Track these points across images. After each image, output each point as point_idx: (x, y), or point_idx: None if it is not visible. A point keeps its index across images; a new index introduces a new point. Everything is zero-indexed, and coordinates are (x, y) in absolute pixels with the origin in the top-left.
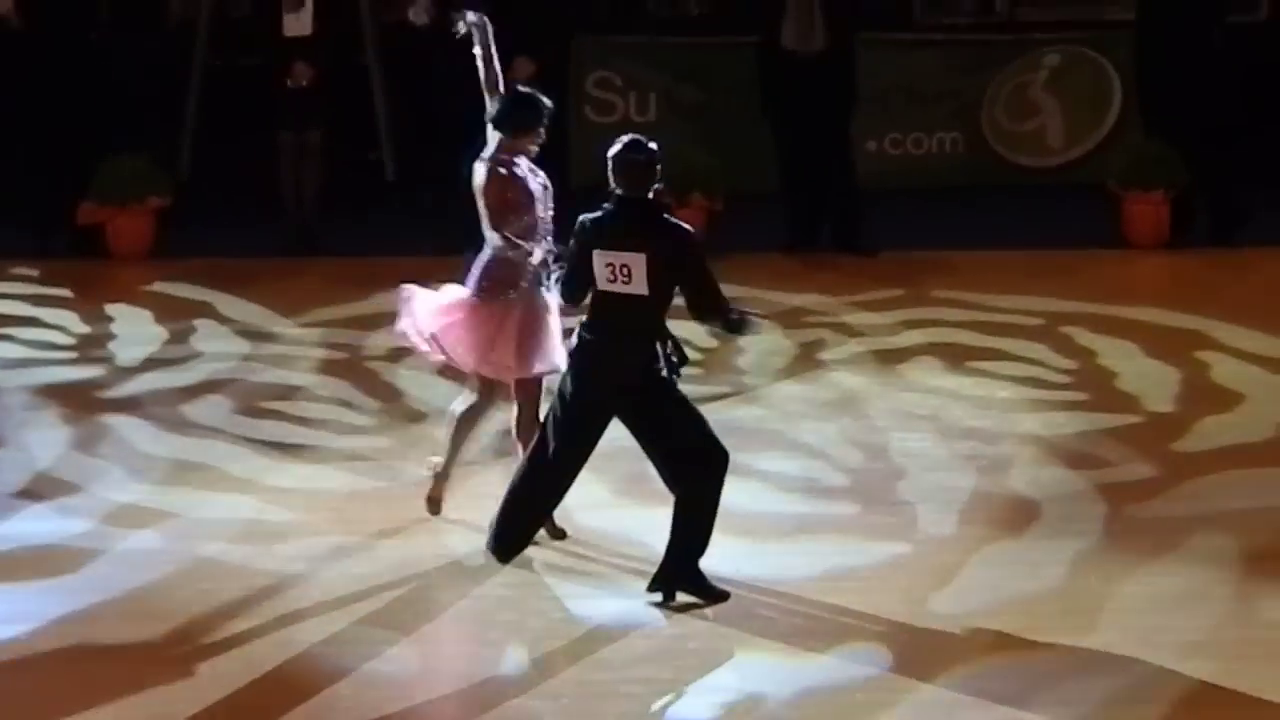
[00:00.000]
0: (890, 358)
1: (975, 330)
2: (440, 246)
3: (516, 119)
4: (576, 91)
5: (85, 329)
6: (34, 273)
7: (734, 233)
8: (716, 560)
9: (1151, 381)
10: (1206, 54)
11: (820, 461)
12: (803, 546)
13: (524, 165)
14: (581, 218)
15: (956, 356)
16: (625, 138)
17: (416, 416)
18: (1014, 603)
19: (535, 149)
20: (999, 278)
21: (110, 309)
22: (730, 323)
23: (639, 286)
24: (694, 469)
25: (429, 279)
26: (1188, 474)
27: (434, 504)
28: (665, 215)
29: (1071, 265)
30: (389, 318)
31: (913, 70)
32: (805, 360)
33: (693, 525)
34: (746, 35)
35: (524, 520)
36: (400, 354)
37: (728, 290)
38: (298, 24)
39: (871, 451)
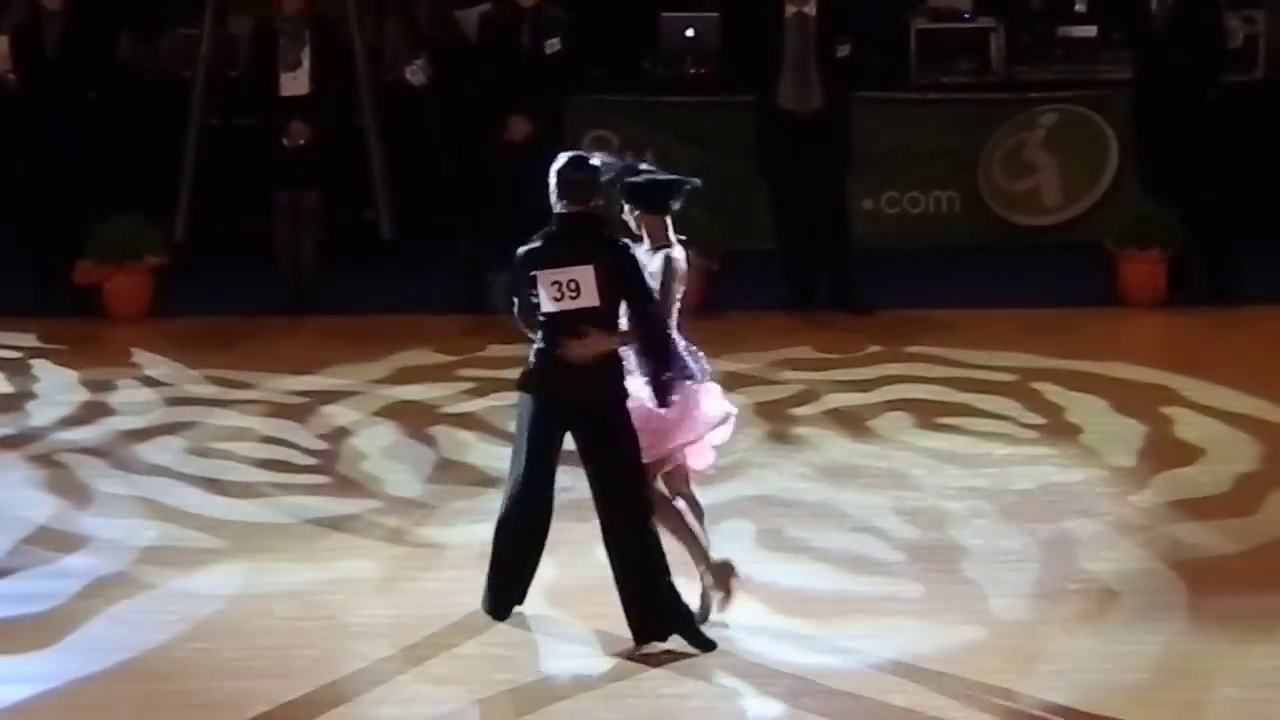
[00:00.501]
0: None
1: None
2: (436, 305)
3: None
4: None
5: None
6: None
7: (731, 292)
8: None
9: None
10: (1203, 113)
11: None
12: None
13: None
14: (520, 250)
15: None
16: (566, 154)
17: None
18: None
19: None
20: (991, 335)
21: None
22: (658, 383)
23: (589, 299)
24: (624, 514)
25: (425, 338)
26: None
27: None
28: (607, 231)
29: (1067, 323)
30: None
31: (909, 130)
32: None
33: (640, 569)
34: (743, 95)
35: (515, 568)
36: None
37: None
38: (294, 83)
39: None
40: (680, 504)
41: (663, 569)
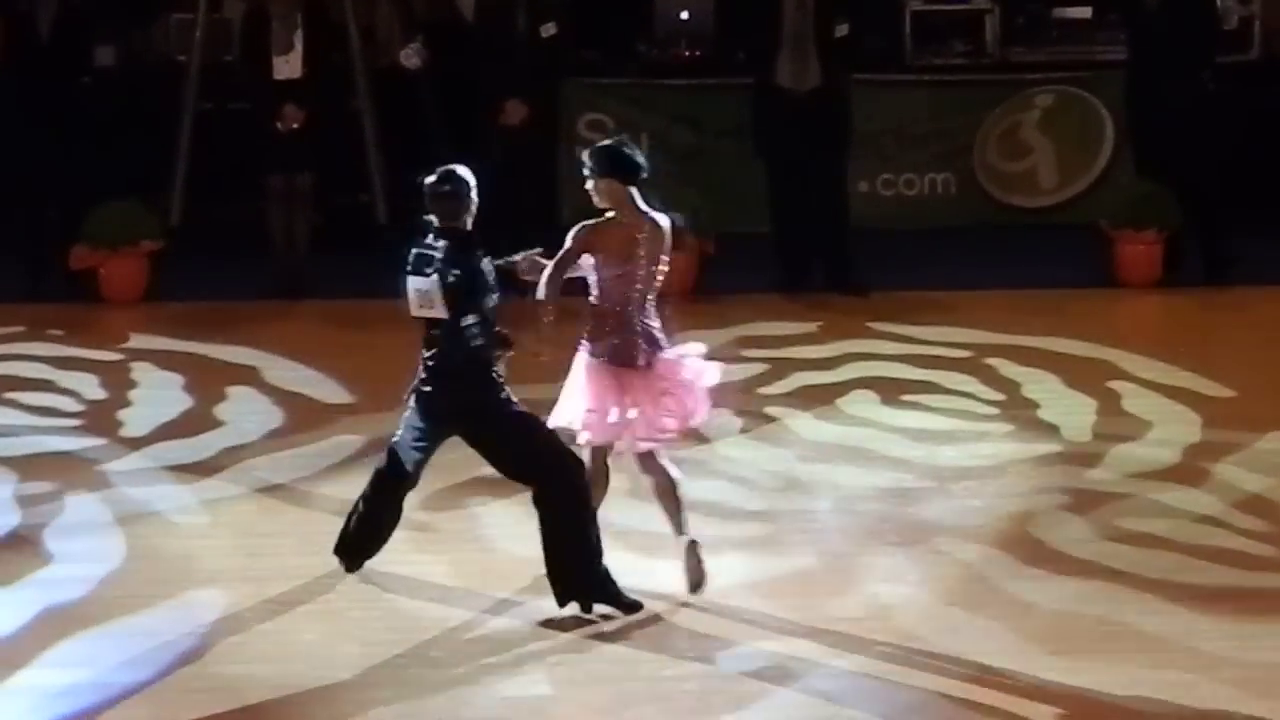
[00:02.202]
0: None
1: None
2: None
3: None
4: (568, 134)
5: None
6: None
7: (726, 273)
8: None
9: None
10: (1198, 94)
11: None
12: None
13: None
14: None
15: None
16: (439, 169)
17: None
18: None
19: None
20: (987, 316)
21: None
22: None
23: (440, 310)
24: (546, 486)
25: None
26: None
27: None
28: (467, 246)
29: (1062, 304)
30: None
31: (904, 111)
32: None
33: (568, 535)
34: (738, 78)
35: (371, 535)
36: None
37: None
38: (287, 67)
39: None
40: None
41: (578, 537)
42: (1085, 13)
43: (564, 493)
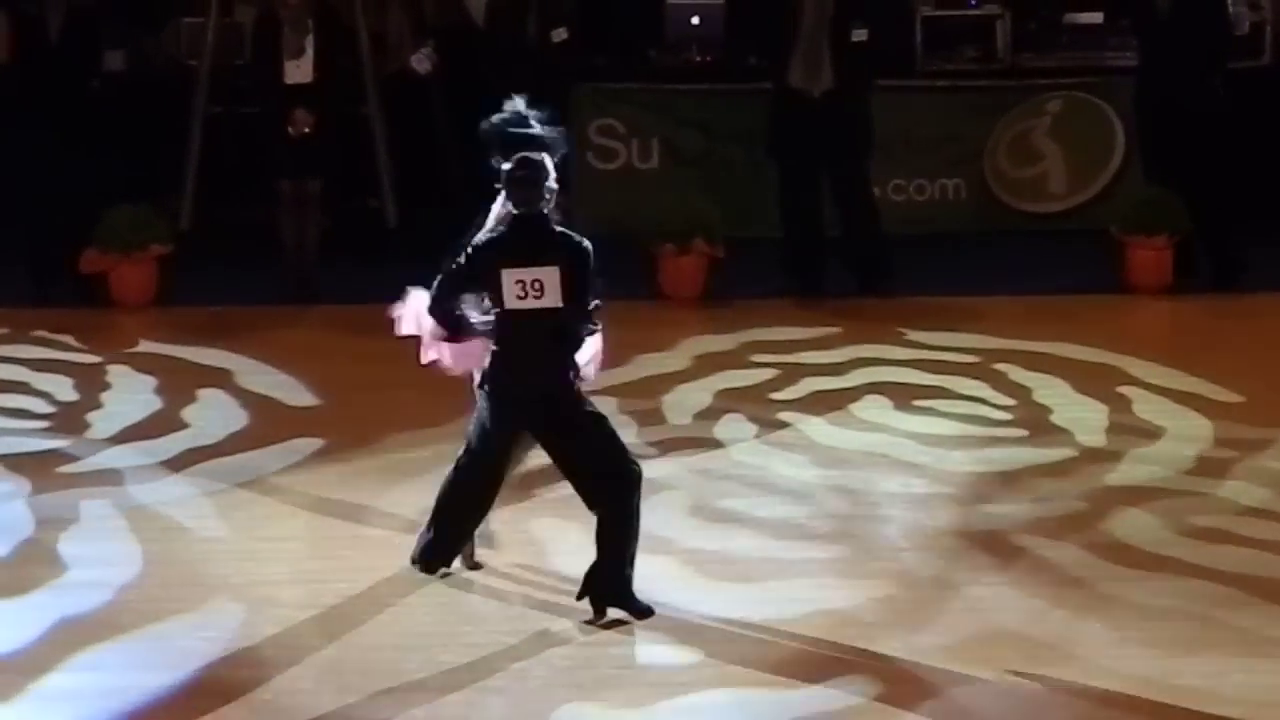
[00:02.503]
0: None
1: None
2: None
3: None
4: (579, 139)
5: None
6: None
7: (736, 279)
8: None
9: None
10: (1209, 100)
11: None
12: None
13: None
14: (477, 241)
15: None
16: (517, 156)
17: None
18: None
19: None
20: (998, 322)
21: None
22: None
23: (552, 299)
24: (609, 487)
25: None
26: None
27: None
28: (564, 229)
29: (1073, 310)
30: None
31: (915, 117)
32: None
33: (616, 544)
34: (748, 83)
35: (451, 535)
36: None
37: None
38: (298, 71)
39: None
40: None
41: (623, 550)
42: (1096, 18)
43: (631, 503)
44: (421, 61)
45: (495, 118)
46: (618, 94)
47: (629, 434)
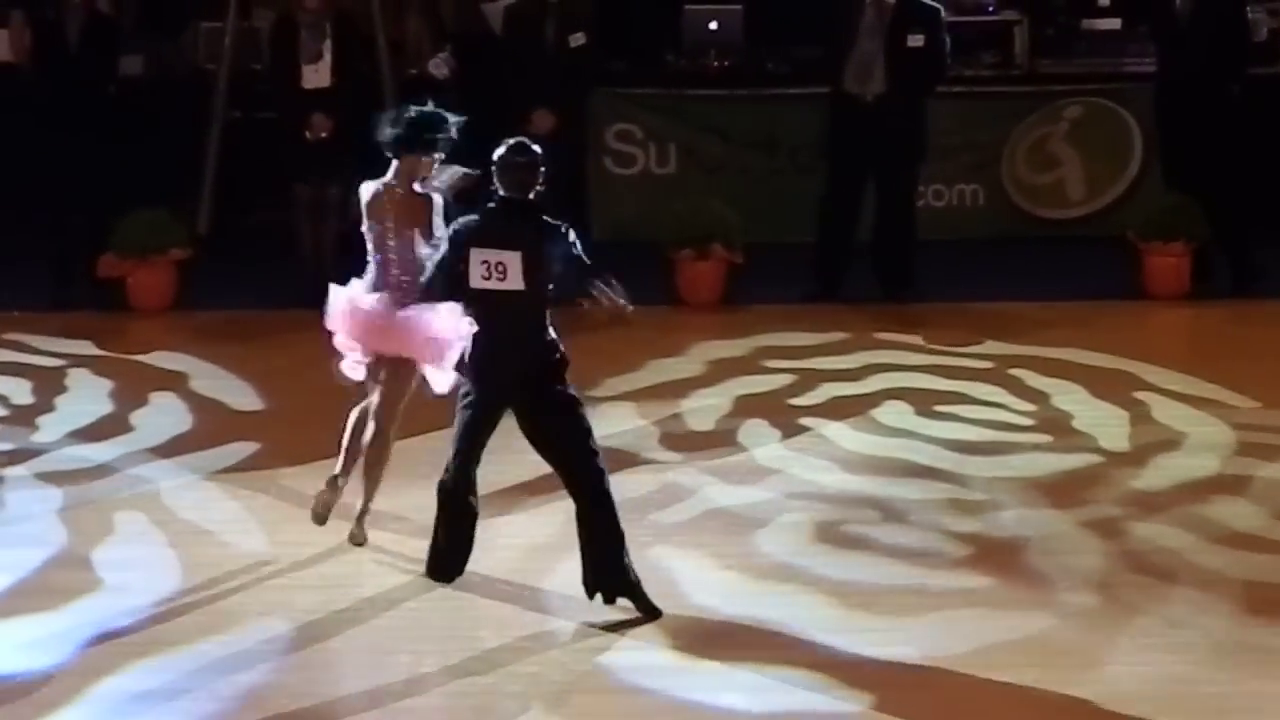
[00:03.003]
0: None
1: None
2: None
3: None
4: (597, 144)
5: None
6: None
7: (754, 284)
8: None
9: None
10: (1226, 106)
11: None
12: None
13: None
14: (458, 221)
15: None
16: (510, 140)
17: None
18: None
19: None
20: (1015, 327)
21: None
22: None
23: (514, 283)
24: (594, 470)
25: None
26: None
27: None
28: (544, 216)
29: (1090, 316)
30: None
31: (933, 122)
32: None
33: (608, 529)
34: (767, 88)
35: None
36: None
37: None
38: (316, 76)
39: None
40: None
41: (618, 534)
42: (1114, 24)
43: (604, 481)
44: (439, 67)
45: (413, 114)
46: (635, 99)
47: (650, 440)
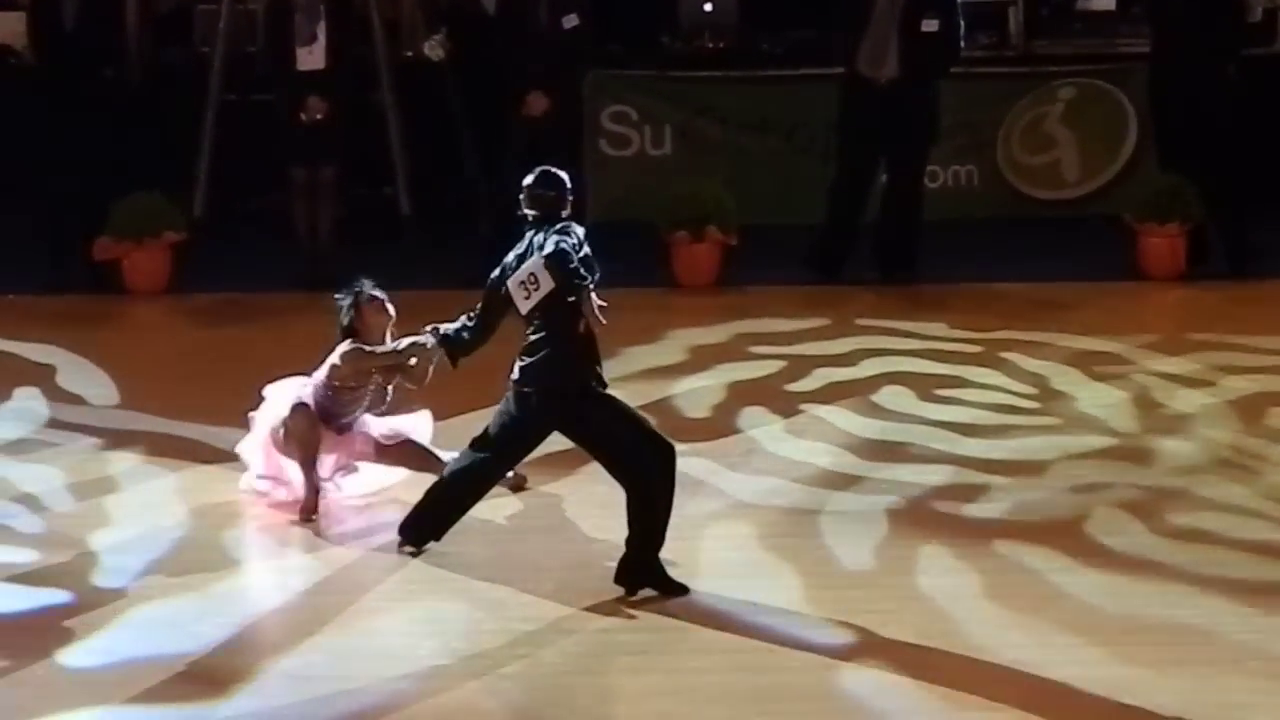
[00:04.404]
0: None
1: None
2: (455, 280)
3: None
4: (591, 125)
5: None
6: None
7: (749, 266)
8: None
9: None
10: (1221, 86)
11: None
12: None
13: None
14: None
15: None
16: (538, 170)
17: None
18: None
19: None
20: (1011, 308)
21: None
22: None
23: (547, 287)
24: (640, 466)
25: (443, 313)
26: None
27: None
28: (564, 230)
29: (1086, 297)
30: None
31: None
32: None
33: (647, 520)
34: (762, 69)
35: (443, 515)
36: None
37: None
38: (310, 58)
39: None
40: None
41: (649, 532)
42: (1109, 5)
43: (663, 480)
44: (434, 48)
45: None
46: (630, 81)
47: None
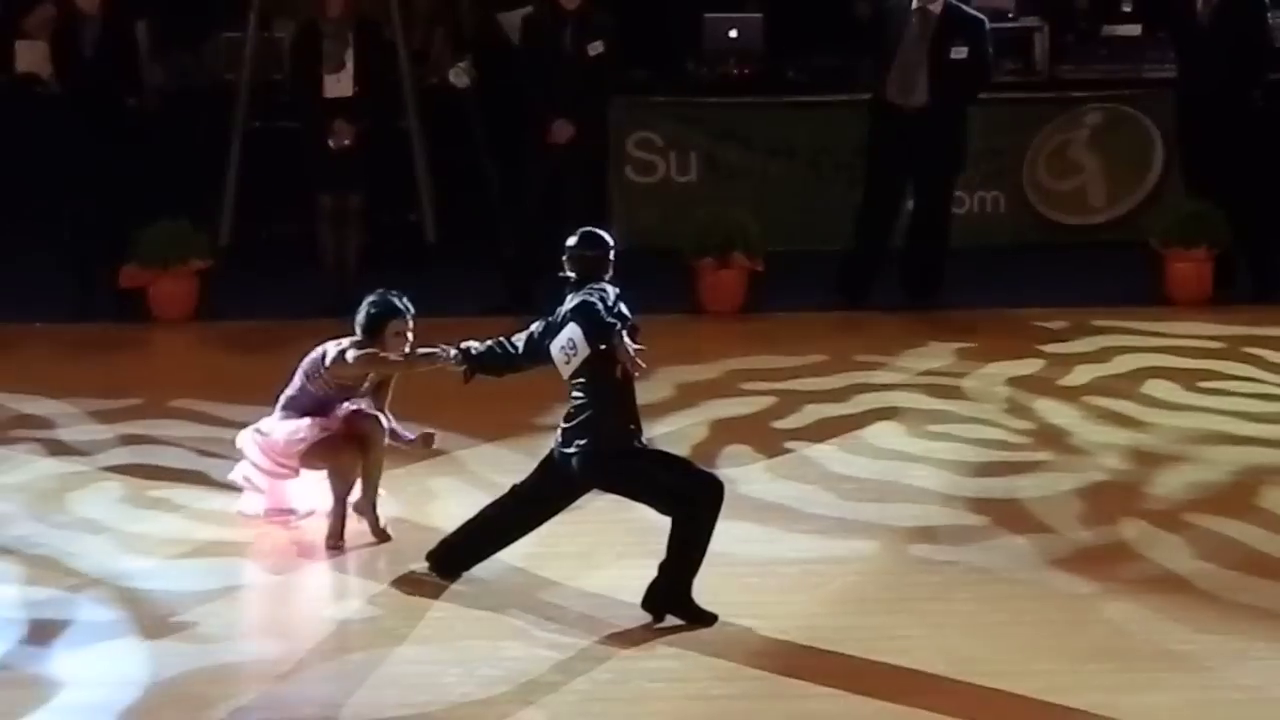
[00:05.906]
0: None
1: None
2: (479, 307)
3: None
4: (617, 152)
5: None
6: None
7: (775, 293)
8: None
9: None
10: (1247, 112)
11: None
12: None
13: None
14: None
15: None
16: (581, 230)
17: None
18: None
19: None
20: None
21: None
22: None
23: (585, 351)
24: (687, 506)
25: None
26: None
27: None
28: (594, 290)
29: (1112, 322)
30: None
31: None
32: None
33: (688, 551)
34: (788, 95)
35: (475, 550)
36: None
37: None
38: (338, 85)
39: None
40: None
41: (687, 562)
42: (1135, 30)
43: (708, 516)
44: (460, 76)
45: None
46: (656, 107)
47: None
